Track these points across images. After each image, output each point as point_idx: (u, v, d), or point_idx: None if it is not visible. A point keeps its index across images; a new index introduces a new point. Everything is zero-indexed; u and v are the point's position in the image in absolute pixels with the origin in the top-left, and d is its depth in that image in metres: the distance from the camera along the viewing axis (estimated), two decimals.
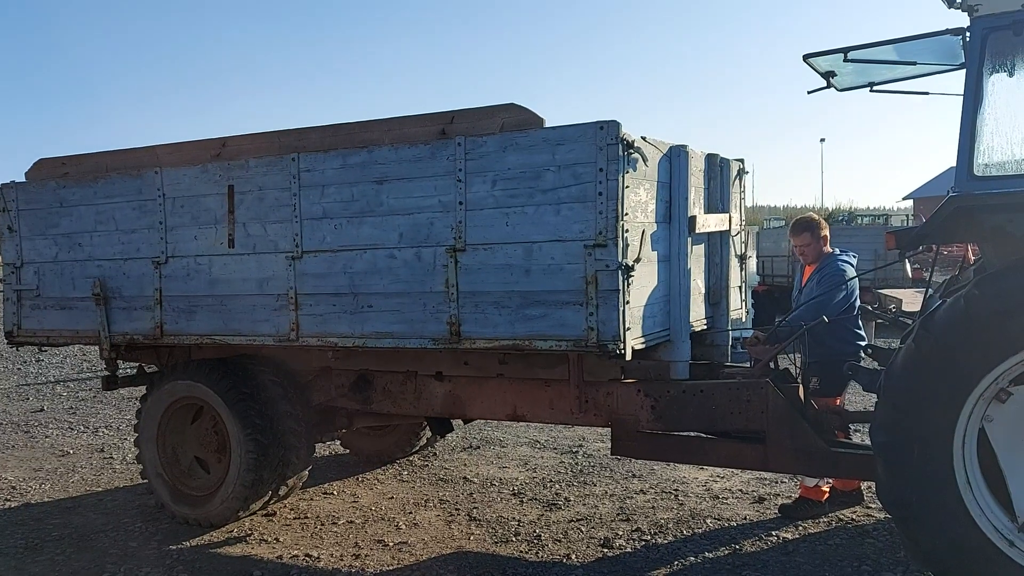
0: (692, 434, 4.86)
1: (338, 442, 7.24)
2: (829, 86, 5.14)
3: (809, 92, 5.28)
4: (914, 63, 4.77)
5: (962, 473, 3.73)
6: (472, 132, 4.46)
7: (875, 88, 5.30)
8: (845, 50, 4.56)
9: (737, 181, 5.66)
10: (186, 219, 5.35)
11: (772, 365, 5.00)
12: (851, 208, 50.34)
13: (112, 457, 7.71)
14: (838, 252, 5.50)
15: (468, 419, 5.88)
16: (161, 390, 5.76)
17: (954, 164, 4.02)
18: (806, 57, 4.71)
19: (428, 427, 6.51)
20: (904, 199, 54.78)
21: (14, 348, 7.75)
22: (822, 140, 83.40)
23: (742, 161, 5.73)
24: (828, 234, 5.60)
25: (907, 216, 37.73)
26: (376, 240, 4.69)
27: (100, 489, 6.69)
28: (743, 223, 5.83)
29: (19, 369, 13.93)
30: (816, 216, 5.83)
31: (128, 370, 6.66)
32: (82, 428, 9.11)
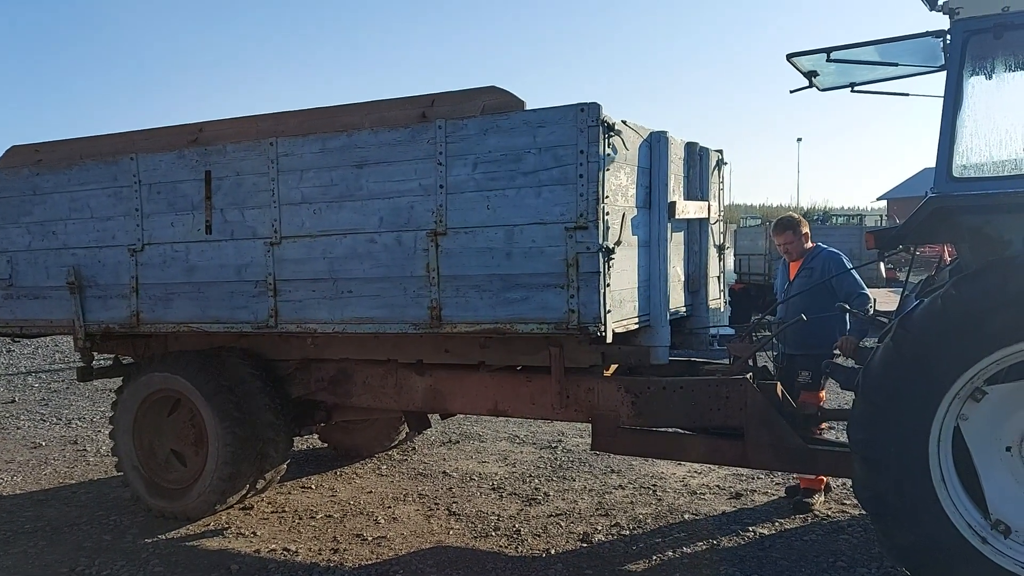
0: (672, 430, 4.89)
1: (315, 436, 7.20)
2: (811, 86, 5.18)
3: (792, 91, 5.31)
4: (895, 64, 4.82)
5: (937, 471, 3.78)
6: (453, 115, 4.45)
7: (856, 88, 5.35)
8: (828, 50, 4.59)
9: (716, 171, 5.69)
10: (162, 206, 5.29)
11: (750, 362, 5.04)
12: (826, 208, 50.88)
13: (86, 449, 7.61)
14: (822, 244, 5.77)
15: (448, 414, 5.86)
16: (137, 382, 5.69)
17: (928, 166, 4.08)
18: (789, 56, 4.74)
19: (405, 423, 6.48)
20: (878, 199, 55.42)
21: None
22: (799, 140, 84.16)
23: (721, 152, 5.76)
24: (809, 231, 5.84)
25: (881, 216, 38.21)
26: (356, 225, 4.66)
27: (73, 482, 6.61)
28: (722, 213, 5.87)
29: None
30: (796, 215, 6.04)
31: (103, 361, 6.57)
32: (55, 420, 8.99)
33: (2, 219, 5.94)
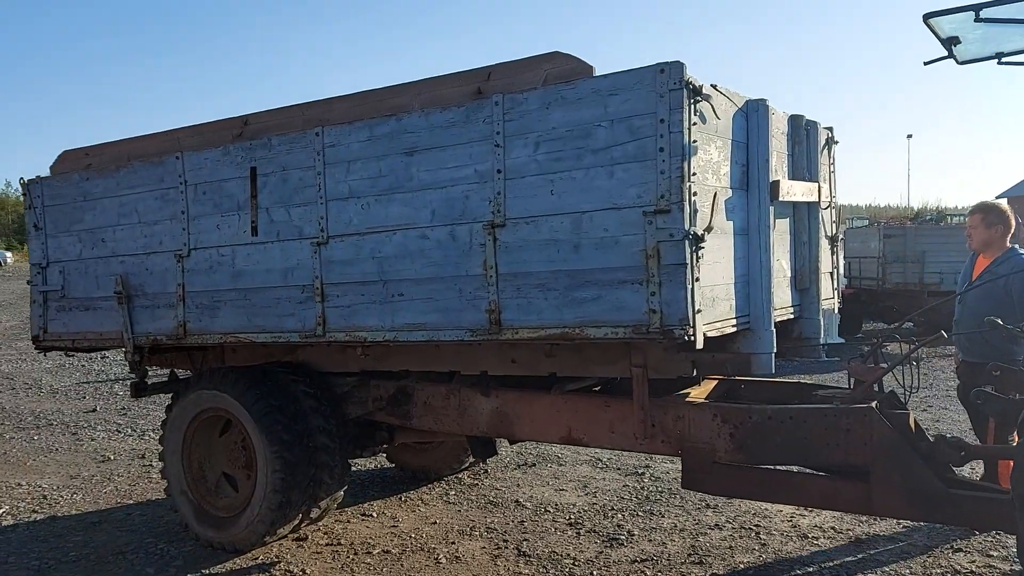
0: (779, 468, 4.12)
1: (384, 455, 6.69)
2: (950, 55, 4.33)
3: (926, 63, 4.49)
4: None
5: None
6: (512, 88, 3.83)
7: (1004, 60, 4.46)
8: (977, 7, 3.75)
9: (826, 150, 4.88)
10: (208, 207, 4.88)
11: (876, 387, 4.22)
12: (938, 207, 47.96)
13: (152, 465, 7.33)
14: (1018, 249, 5.08)
15: (516, 440, 5.24)
16: (186, 399, 5.29)
17: None
18: (927, 17, 3.92)
19: (469, 451, 5.88)
20: (997, 197, 51.87)
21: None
22: (909, 136, 79.54)
23: (831, 129, 4.95)
24: (1011, 228, 5.12)
25: None
26: (406, 219, 4.12)
27: (131, 502, 6.29)
28: (834, 198, 5.04)
29: (83, 366, 13.95)
30: (1000, 204, 5.36)
31: (160, 375, 6.23)
32: (129, 431, 8.83)
33: (55, 228, 5.68)
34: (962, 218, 33.53)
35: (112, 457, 7.69)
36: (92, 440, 8.48)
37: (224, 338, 4.93)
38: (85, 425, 9.22)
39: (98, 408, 10.20)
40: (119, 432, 8.80)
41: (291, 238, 4.56)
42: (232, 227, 4.79)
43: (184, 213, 4.97)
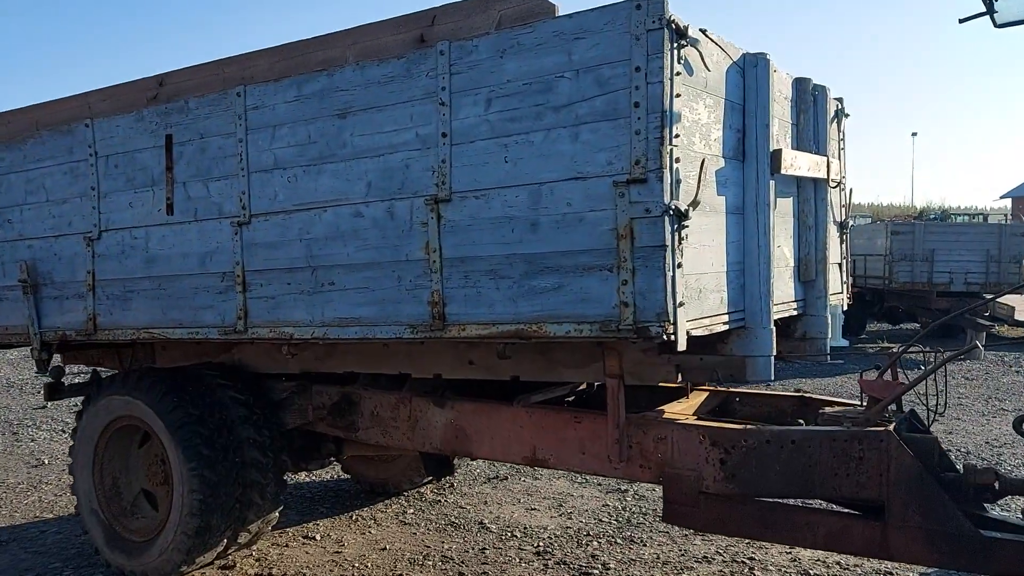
0: (777, 501, 3.47)
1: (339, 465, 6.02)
2: (990, 11, 3.67)
3: (961, 20, 3.82)
4: None
5: None
6: (460, 35, 3.19)
7: None
8: None
9: (835, 123, 4.23)
10: (120, 182, 4.21)
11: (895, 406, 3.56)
12: (942, 207, 47.39)
13: None
14: None
15: (474, 458, 4.58)
16: (97, 405, 4.61)
17: None
18: None
19: (423, 467, 5.20)
20: (1001, 198, 51.37)
21: None
22: (913, 134, 78.47)
23: (840, 100, 4.29)
24: None
25: (1005, 216, 35.05)
26: (338, 193, 3.47)
27: (51, 516, 5.62)
28: (844, 176, 4.37)
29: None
30: None
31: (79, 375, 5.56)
32: None
33: None
34: (966, 218, 32.91)
35: (47, 461, 7.03)
36: (32, 441, 7.83)
37: (137, 334, 4.26)
38: (29, 423, 8.57)
39: (49, 405, 9.51)
40: (63, 432, 8.13)
41: (210, 217, 3.91)
42: (146, 205, 4.13)
43: (94, 189, 4.30)
